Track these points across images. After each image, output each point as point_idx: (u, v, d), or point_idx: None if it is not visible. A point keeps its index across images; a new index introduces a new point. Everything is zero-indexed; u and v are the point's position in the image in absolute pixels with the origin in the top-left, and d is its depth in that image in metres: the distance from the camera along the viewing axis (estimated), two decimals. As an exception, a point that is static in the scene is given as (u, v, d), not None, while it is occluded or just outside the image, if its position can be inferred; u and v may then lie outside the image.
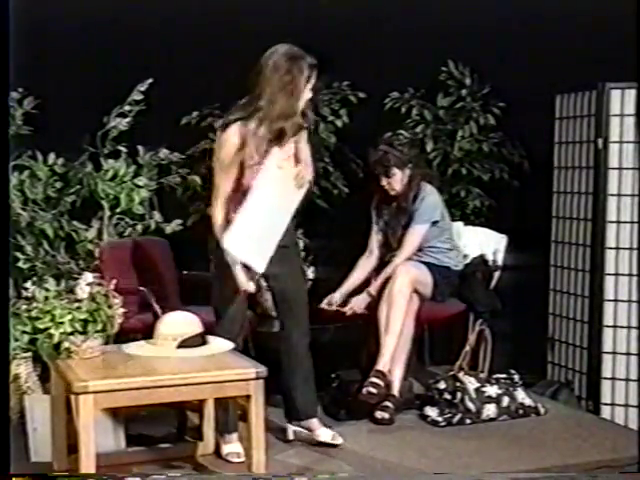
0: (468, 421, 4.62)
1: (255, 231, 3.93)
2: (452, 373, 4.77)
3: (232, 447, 4.14)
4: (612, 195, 5.03)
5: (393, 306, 4.67)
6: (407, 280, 4.70)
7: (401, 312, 4.66)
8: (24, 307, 4.08)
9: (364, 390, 4.57)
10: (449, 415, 4.62)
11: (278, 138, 3.97)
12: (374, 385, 4.57)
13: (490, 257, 5.09)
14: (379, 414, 4.63)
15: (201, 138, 5.65)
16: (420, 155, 5.33)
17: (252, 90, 4.01)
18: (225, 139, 3.95)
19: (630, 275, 5.00)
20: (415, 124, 5.81)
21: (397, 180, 4.85)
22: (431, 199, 4.86)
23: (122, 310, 3.96)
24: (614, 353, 5.02)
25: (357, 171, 5.90)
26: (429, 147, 5.79)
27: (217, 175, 3.99)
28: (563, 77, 5.46)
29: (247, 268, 4.05)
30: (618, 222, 5.02)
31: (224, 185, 3.98)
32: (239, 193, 3.97)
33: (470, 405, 4.63)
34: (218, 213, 4.03)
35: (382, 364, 4.63)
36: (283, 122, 3.95)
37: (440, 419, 4.61)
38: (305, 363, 4.36)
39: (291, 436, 4.35)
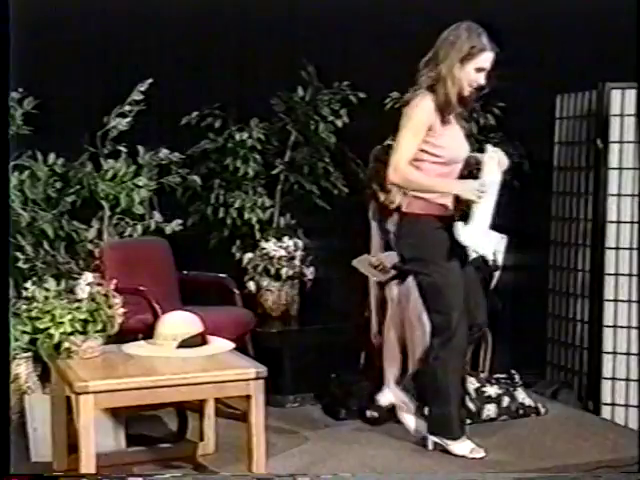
0: (468, 421, 4.61)
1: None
2: (452, 373, 4.77)
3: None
4: (612, 195, 5.03)
5: (413, 329, 4.65)
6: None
7: (421, 332, 4.65)
8: (24, 307, 4.08)
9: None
10: (449, 415, 4.61)
11: (445, 111, 4.03)
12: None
13: (490, 257, 5.08)
14: (369, 413, 4.64)
15: (201, 138, 5.65)
16: None
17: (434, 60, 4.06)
18: (418, 104, 4.02)
19: (630, 275, 5.00)
20: (415, 124, 5.80)
21: (394, 194, 4.81)
22: None
23: (122, 310, 3.96)
24: (614, 353, 5.02)
25: (357, 171, 5.90)
26: (429, 147, 5.78)
27: (404, 137, 4.04)
28: (563, 77, 5.46)
29: None
30: (618, 222, 5.02)
31: (410, 147, 4.02)
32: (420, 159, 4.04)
33: (470, 405, 4.63)
34: (411, 172, 4.04)
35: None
36: (443, 93, 4.01)
37: (441, 419, 4.61)
38: (457, 377, 4.29)
39: (431, 446, 4.27)
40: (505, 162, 4.23)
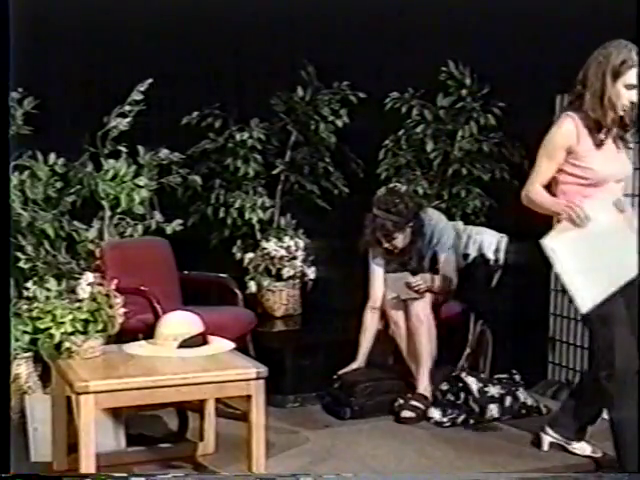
0: (472, 421, 4.62)
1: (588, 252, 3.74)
2: (455, 374, 4.78)
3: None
4: (612, 195, 5.01)
5: (417, 335, 4.75)
6: (423, 305, 4.74)
7: (426, 337, 4.75)
8: (25, 307, 4.09)
9: (405, 413, 4.66)
10: (453, 416, 4.62)
11: (596, 131, 3.85)
12: (414, 409, 4.66)
13: (490, 257, 5.09)
14: (406, 413, 4.68)
15: (201, 138, 5.65)
16: (413, 197, 5.29)
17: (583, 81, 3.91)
18: (560, 126, 3.90)
19: (630, 275, 4.98)
20: (415, 124, 5.81)
21: (399, 241, 4.85)
22: (441, 227, 4.93)
23: (123, 310, 3.96)
24: (614, 353, 5.01)
25: (357, 171, 5.91)
26: (429, 147, 5.78)
27: (538, 160, 3.92)
28: (563, 77, 5.45)
29: None
30: (618, 222, 5.01)
31: (543, 170, 3.89)
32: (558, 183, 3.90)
33: (474, 405, 4.63)
34: (541, 193, 3.89)
35: (422, 388, 4.73)
36: (594, 113, 3.83)
37: (445, 419, 4.62)
38: None
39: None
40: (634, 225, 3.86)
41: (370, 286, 5.00)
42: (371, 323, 4.95)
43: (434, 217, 4.97)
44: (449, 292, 4.93)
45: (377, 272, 4.99)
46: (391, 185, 5.23)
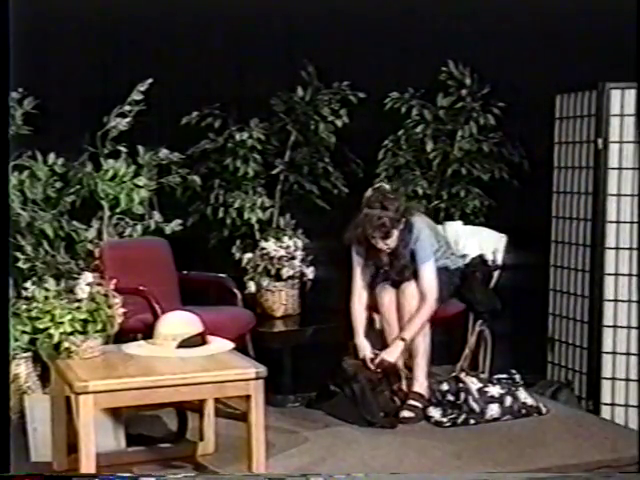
0: (472, 421, 4.61)
1: None
2: (454, 374, 4.78)
3: None
4: (612, 195, 5.03)
5: (416, 337, 4.72)
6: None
7: (421, 335, 4.72)
8: (24, 307, 4.08)
9: (404, 413, 4.63)
10: (453, 416, 4.61)
11: None
12: (413, 408, 4.65)
13: (490, 257, 5.09)
14: (406, 413, 4.66)
15: (201, 138, 5.65)
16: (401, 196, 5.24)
17: None
18: None
19: (630, 275, 5.00)
20: (415, 124, 5.81)
21: (393, 240, 4.77)
22: (424, 236, 4.77)
23: (122, 310, 3.96)
24: (614, 353, 5.02)
25: (357, 171, 5.90)
26: (429, 147, 5.79)
27: None
28: (563, 77, 5.46)
29: None
30: (618, 222, 5.02)
31: None
32: None
33: (474, 405, 4.63)
34: None
35: (418, 386, 4.71)
36: None
37: (445, 420, 4.61)
38: None
39: None
40: None
41: (353, 280, 4.94)
42: (359, 306, 4.88)
43: (417, 224, 4.85)
44: (441, 301, 4.86)
45: (358, 269, 4.91)
46: (377, 185, 5.16)
